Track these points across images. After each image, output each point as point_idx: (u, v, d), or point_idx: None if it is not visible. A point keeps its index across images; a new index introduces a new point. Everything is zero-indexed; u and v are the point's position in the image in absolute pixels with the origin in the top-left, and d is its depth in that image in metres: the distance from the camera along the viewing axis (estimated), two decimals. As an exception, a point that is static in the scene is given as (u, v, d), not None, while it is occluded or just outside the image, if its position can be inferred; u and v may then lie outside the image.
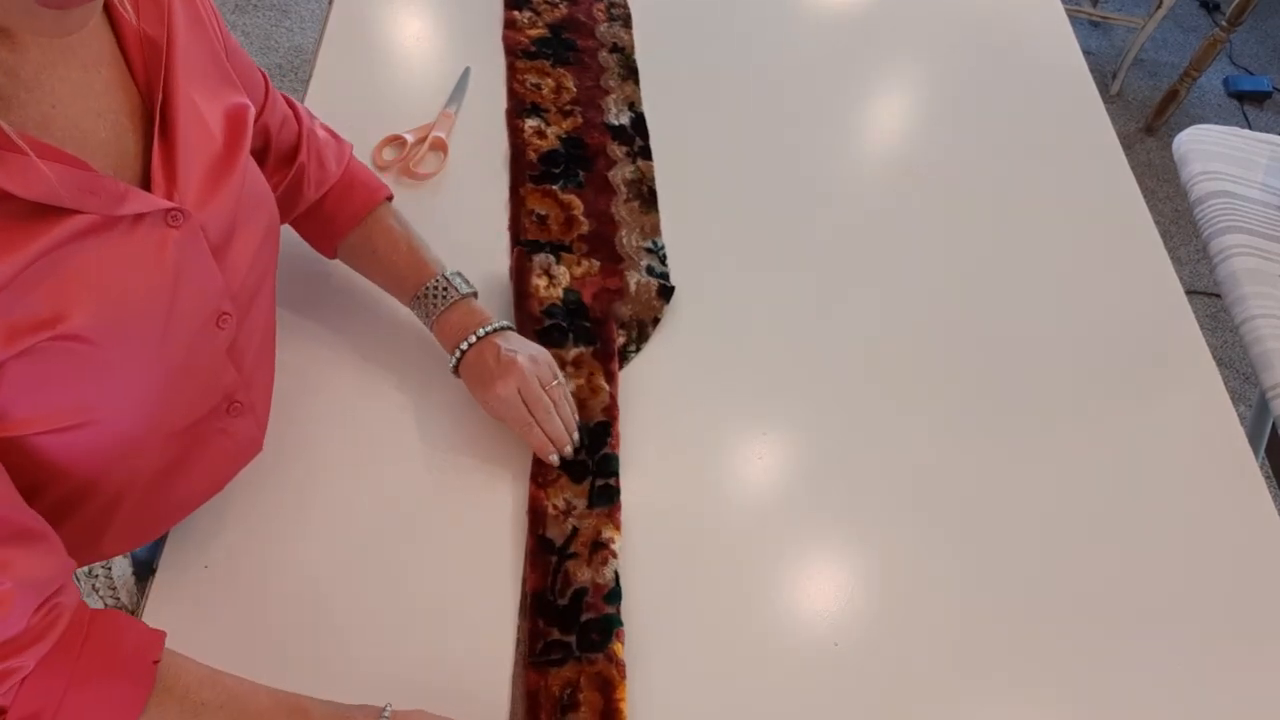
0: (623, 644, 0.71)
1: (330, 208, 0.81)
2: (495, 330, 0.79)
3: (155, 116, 0.56)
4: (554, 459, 0.79)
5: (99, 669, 0.54)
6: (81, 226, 0.50)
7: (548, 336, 0.87)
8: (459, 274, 0.81)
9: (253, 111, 0.66)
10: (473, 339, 0.78)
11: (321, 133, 0.81)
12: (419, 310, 0.81)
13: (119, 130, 0.55)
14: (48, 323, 0.49)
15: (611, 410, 0.84)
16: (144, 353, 0.56)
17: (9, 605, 0.50)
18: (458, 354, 0.78)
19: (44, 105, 0.50)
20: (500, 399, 0.77)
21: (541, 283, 0.90)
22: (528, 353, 0.79)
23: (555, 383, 0.80)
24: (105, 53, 0.55)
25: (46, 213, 0.49)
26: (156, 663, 0.56)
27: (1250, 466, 0.90)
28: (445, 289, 0.79)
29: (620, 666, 0.70)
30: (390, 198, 0.84)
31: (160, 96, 0.56)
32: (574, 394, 0.84)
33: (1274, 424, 1.26)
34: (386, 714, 0.61)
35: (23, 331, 0.48)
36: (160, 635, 0.58)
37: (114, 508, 0.64)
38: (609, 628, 0.72)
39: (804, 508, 0.82)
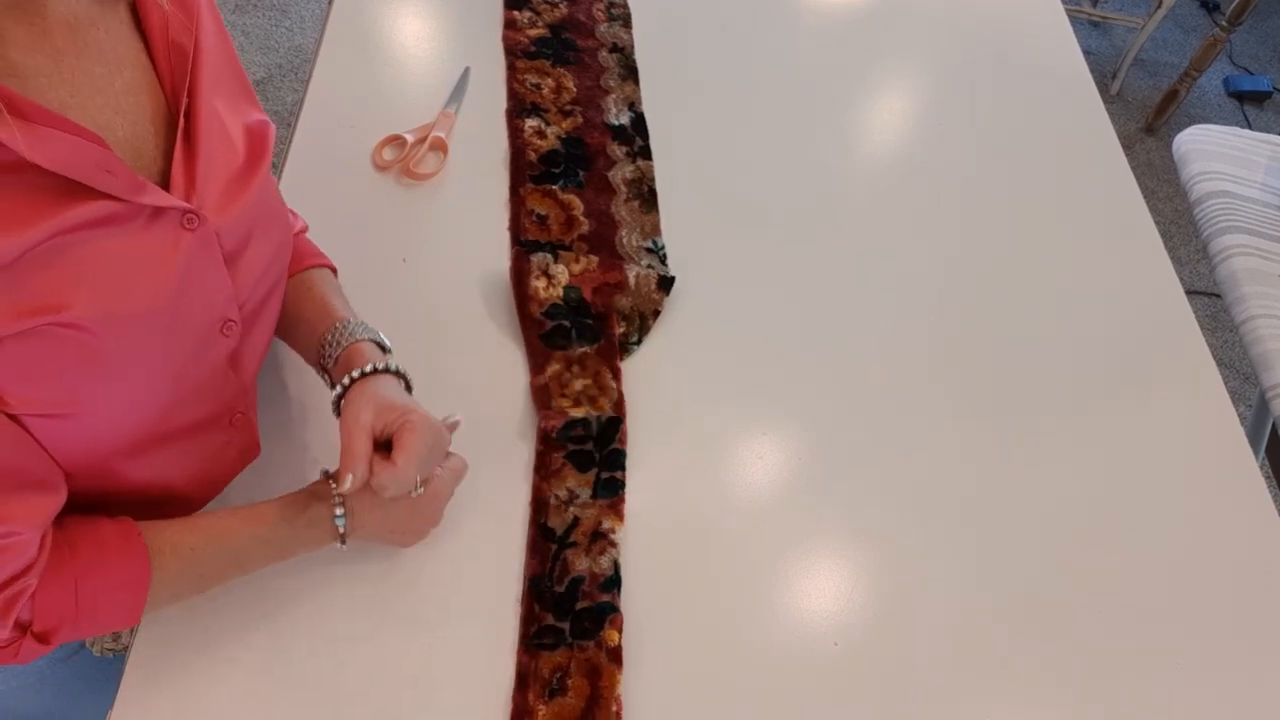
0: (620, 631, 0.72)
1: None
2: (389, 370, 0.69)
3: (179, 122, 0.56)
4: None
5: (96, 559, 0.58)
6: (99, 214, 0.50)
7: (552, 339, 0.87)
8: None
9: (274, 130, 0.66)
10: (362, 370, 0.67)
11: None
12: (326, 350, 0.71)
13: (139, 131, 0.55)
14: (52, 307, 0.49)
15: (620, 406, 0.84)
16: (147, 349, 0.57)
17: (23, 547, 0.54)
18: (347, 380, 0.67)
19: (62, 92, 0.51)
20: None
21: (540, 284, 0.90)
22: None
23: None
24: (131, 55, 0.55)
25: (67, 191, 0.49)
26: (139, 534, 0.60)
27: (1250, 466, 0.90)
28: (354, 326, 0.71)
29: (615, 653, 0.71)
30: (335, 272, 0.79)
31: (185, 102, 0.57)
32: (582, 392, 0.84)
33: (1274, 424, 1.26)
34: (339, 506, 0.66)
35: (25, 313, 0.49)
36: (128, 518, 0.62)
37: (112, 504, 0.64)
38: (602, 615, 0.72)
39: (804, 506, 0.82)
